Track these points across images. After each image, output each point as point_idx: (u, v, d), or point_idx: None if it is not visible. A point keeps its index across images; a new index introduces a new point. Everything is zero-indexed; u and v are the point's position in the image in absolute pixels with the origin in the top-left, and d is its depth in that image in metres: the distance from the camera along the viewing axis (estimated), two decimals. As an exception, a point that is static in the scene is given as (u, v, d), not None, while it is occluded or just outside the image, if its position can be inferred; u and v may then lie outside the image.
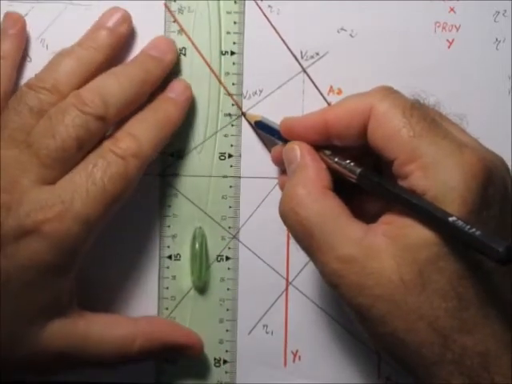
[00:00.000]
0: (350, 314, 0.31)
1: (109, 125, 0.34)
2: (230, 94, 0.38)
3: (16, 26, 0.37)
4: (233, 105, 0.38)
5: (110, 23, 0.36)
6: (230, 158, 0.38)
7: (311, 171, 0.33)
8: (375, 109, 0.31)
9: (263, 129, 0.37)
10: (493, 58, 0.38)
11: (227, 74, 0.38)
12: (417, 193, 0.30)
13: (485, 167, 0.30)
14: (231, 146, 0.38)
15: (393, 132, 0.31)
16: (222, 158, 0.38)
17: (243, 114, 0.38)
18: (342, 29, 0.38)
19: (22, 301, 0.32)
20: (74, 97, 0.34)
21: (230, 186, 0.38)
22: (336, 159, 0.33)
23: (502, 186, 0.31)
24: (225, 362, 0.39)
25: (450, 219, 0.28)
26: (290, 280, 0.39)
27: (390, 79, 0.38)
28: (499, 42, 0.38)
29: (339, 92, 0.39)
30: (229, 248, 0.39)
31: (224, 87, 0.38)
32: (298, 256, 0.38)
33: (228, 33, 0.38)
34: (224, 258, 0.39)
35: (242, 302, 0.39)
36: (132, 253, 0.39)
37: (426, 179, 0.30)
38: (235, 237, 0.39)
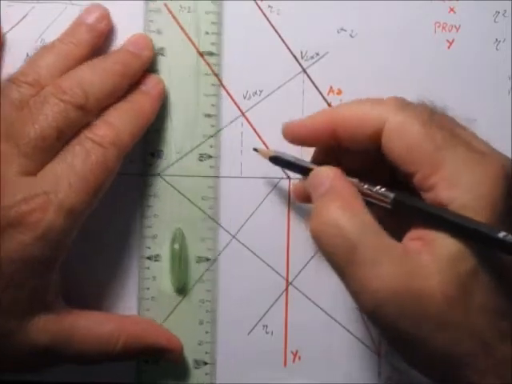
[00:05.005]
0: (382, 339, 0.31)
1: (88, 115, 0.34)
2: (209, 95, 0.38)
3: None
4: (212, 105, 0.38)
5: (90, 20, 0.37)
6: (210, 159, 0.38)
7: (346, 191, 0.31)
8: (390, 122, 0.31)
9: (278, 163, 0.36)
10: (493, 58, 0.38)
11: (206, 74, 0.38)
12: (443, 204, 0.29)
13: (506, 173, 0.30)
14: (210, 147, 0.38)
15: (412, 144, 0.30)
16: (202, 158, 0.38)
17: (255, 149, 0.37)
18: (341, 29, 0.38)
19: (8, 295, 0.32)
20: (52, 86, 0.34)
21: (210, 187, 0.38)
22: (366, 186, 0.32)
23: None
24: (205, 363, 0.39)
25: (500, 235, 0.28)
26: (289, 280, 0.39)
27: (389, 79, 0.38)
28: (499, 42, 0.38)
29: (339, 92, 0.39)
30: (208, 249, 0.38)
31: (204, 88, 0.38)
32: (298, 256, 0.38)
33: (207, 33, 0.38)
34: (203, 259, 0.39)
35: (242, 302, 0.39)
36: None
37: (452, 189, 0.29)
38: (234, 237, 0.39)
